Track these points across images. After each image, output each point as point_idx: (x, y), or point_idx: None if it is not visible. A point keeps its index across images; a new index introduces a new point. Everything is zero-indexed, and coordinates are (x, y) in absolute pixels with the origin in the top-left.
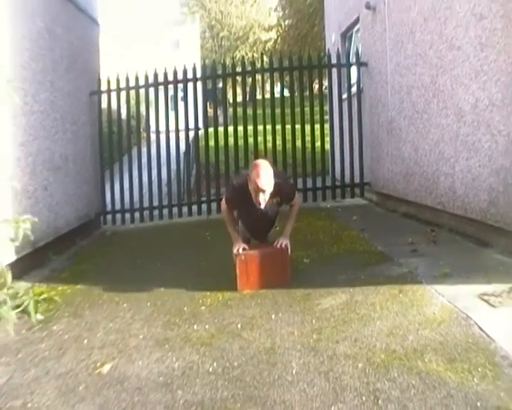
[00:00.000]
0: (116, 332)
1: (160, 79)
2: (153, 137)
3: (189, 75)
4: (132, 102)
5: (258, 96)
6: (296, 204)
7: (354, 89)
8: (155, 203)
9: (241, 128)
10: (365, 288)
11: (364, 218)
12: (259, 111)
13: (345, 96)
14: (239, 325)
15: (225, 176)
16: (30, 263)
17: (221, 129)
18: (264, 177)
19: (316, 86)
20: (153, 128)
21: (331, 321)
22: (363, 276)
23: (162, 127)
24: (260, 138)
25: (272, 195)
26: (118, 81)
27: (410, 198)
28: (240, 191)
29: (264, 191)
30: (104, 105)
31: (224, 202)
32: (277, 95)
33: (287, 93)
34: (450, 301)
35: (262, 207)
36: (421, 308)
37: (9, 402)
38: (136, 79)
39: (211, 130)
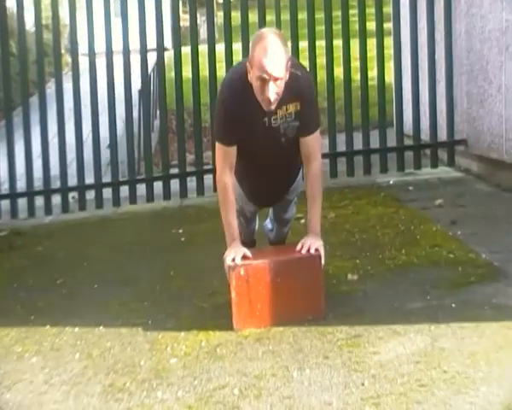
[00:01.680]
0: None
1: None
2: (83, 63)
3: None
4: (46, 0)
5: None
6: (316, 157)
7: None
8: (89, 180)
9: (238, 47)
10: (458, 325)
11: (457, 202)
12: (270, 17)
13: None
14: (235, 391)
15: (211, 131)
16: None
17: (204, 49)
18: (275, 53)
19: None
20: (83, 48)
21: (397, 384)
22: (454, 304)
23: (100, 46)
24: None
25: (289, 96)
26: None
27: None
28: (237, 94)
29: (275, 79)
30: None
31: (217, 149)
32: None
33: None
34: None
35: (272, 107)
36: None
37: None
38: None
39: (186, 51)
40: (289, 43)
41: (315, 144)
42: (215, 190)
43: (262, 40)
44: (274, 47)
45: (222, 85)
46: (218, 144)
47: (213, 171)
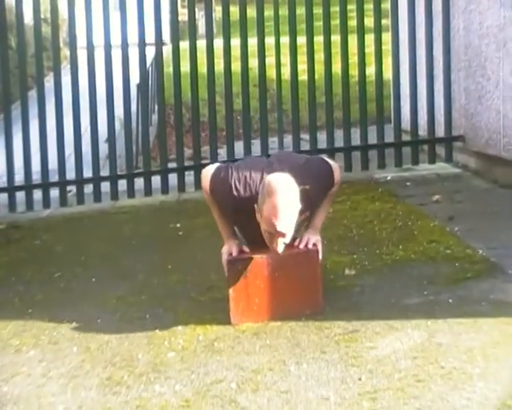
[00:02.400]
0: (14, 402)
1: None
2: (82, 57)
3: None
4: None
5: None
6: (335, 185)
7: None
8: (88, 174)
9: (236, 42)
10: (455, 321)
11: (454, 198)
12: (269, 12)
13: None
14: (233, 384)
15: (210, 126)
16: None
17: (202, 44)
18: (287, 214)
19: None
20: (82, 42)
21: (394, 379)
22: (452, 299)
23: (99, 40)
24: (270, 60)
25: (300, 211)
26: None
27: None
28: (239, 203)
29: (284, 236)
30: None
31: (206, 185)
32: None
33: None
34: None
35: (280, 253)
36: None
37: None
38: None
39: (184, 46)
40: (288, 38)
41: (336, 182)
42: None
43: (272, 196)
44: (285, 205)
45: (225, 184)
46: (208, 191)
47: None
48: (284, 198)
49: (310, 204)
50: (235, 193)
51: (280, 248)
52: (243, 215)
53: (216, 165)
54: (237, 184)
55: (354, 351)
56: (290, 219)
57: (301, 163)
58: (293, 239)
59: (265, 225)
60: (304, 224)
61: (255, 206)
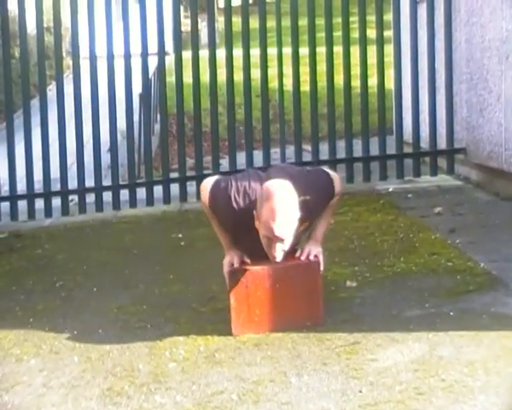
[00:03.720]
0: None
1: None
2: (84, 66)
3: None
4: (48, 3)
5: None
6: (337, 196)
7: None
8: (89, 183)
9: (239, 53)
10: (456, 334)
11: (456, 210)
12: (271, 23)
13: None
14: (234, 396)
15: (212, 136)
16: None
17: (205, 54)
18: (285, 218)
19: None
20: (84, 52)
21: (395, 392)
22: (453, 312)
23: (101, 50)
24: (273, 71)
25: (299, 222)
26: None
27: None
28: (239, 214)
29: (282, 241)
30: None
31: (206, 198)
32: None
33: None
34: None
35: (278, 260)
36: None
37: None
38: None
39: (187, 56)
40: (290, 49)
41: (337, 193)
42: None
43: (271, 199)
44: (283, 209)
45: (224, 195)
46: (207, 204)
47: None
48: (282, 202)
49: (309, 214)
50: (234, 205)
51: (278, 254)
52: (243, 227)
53: (215, 177)
54: (236, 195)
55: (355, 363)
56: (288, 224)
57: (300, 174)
58: (294, 250)
59: (263, 229)
60: (304, 234)
61: (254, 212)
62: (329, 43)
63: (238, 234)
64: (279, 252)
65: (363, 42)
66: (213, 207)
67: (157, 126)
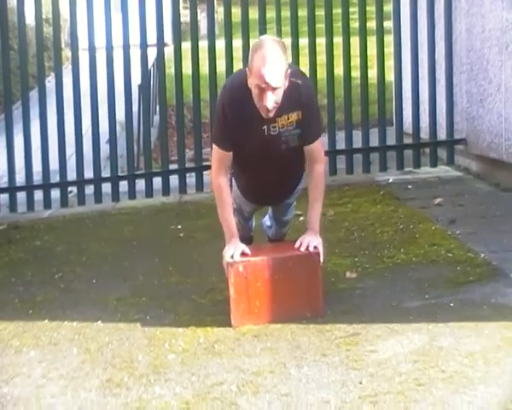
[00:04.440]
0: (14, 403)
1: None
2: (83, 57)
3: None
4: None
5: None
6: (320, 160)
7: None
8: (89, 174)
9: (238, 44)
10: (456, 325)
11: (456, 201)
12: (271, 14)
13: None
14: (233, 387)
15: (211, 127)
16: None
17: (204, 45)
18: (274, 62)
19: None
20: (83, 43)
21: (395, 383)
22: (453, 303)
23: (100, 41)
24: None
25: (289, 105)
26: None
27: None
28: (237, 100)
29: (273, 88)
30: None
31: (214, 151)
32: None
33: None
34: None
35: (271, 115)
36: None
37: None
38: None
39: (186, 46)
40: (290, 39)
41: (318, 148)
42: None
43: (261, 48)
44: (273, 55)
45: (222, 91)
46: (214, 147)
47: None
48: (272, 51)
49: (299, 102)
50: (227, 108)
51: (269, 103)
52: (243, 138)
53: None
54: (229, 95)
55: (355, 354)
56: (278, 70)
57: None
58: (293, 242)
59: (255, 79)
60: (296, 132)
61: (246, 70)
62: (329, 34)
63: (240, 149)
64: (270, 101)
65: (363, 32)
66: (219, 141)
67: (156, 118)
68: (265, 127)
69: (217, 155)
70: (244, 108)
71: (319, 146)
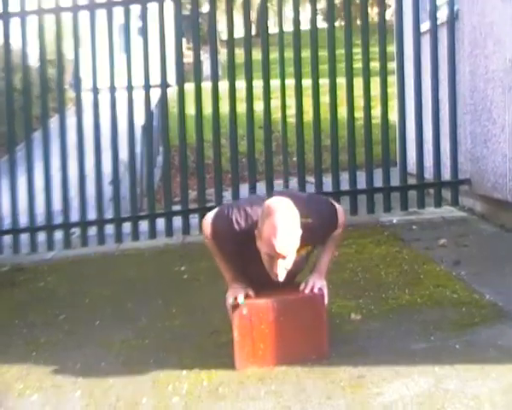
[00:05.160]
0: None
1: None
2: (87, 99)
3: None
4: (50, 35)
5: (273, 29)
6: (340, 228)
7: (443, 14)
8: (92, 216)
9: (241, 85)
10: (462, 367)
11: (460, 242)
12: (274, 55)
13: (425, 27)
14: None
15: (215, 168)
16: None
17: (207, 86)
18: (286, 234)
19: (373, 12)
20: (87, 84)
21: None
22: (459, 345)
23: (103, 82)
24: (276, 102)
25: (301, 244)
26: None
27: None
28: (241, 237)
29: (284, 258)
30: None
31: (208, 231)
32: (306, 27)
33: (322, 23)
34: None
35: (281, 280)
36: None
37: None
38: None
39: (189, 88)
40: (293, 80)
41: (340, 224)
42: None
43: (272, 216)
44: (284, 225)
45: (226, 220)
46: (210, 234)
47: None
48: (283, 219)
49: (311, 236)
50: (236, 227)
51: (280, 272)
52: (246, 252)
53: (216, 209)
54: (238, 217)
55: (360, 397)
56: (290, 240)
57: (303, 197)
58: (298, 284)
59: (265, 246)
60: (306, 261)
61: (255, 232)
62: (332, 75)
63: (242, 262)
64: (281, 270)
65: (367, 73)
66: (215, 237)
67: (159, 158)
68: None
69: (212, 241)
70: (250, 244)
71: (340, 222)
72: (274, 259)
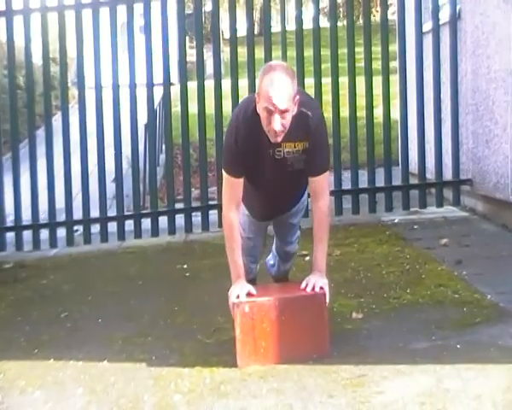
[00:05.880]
0: None
1: None
2: (90, 96)
3: None
4: (53, 33)
5: (276, 28)
6: (323, 197)
7: (445, 14)
8: (95, 213)
9: (244, 83)
10: (463, 366)
11: (462, 241)
12: (277, 53)
13: (428, 26)
14: None
15: (217, 166)
16: None
17: (210, 84)
18: (282, 85)
19: (376, 11)
20: (90, 82)
21: None
22: (460, 345)
23: (106, 80)
24: None
25: (297, 134)
26: None
27: None
28: (249, 125)
29: (281, 111)
30: (1, 37)
31: (225, 180)
32: (308, 25)
33: (324, 22)
34: None
35: (279, 139)
36: None
37: None
38: None
39: (192, 86)
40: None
41: (323, 183)
42: (220, 225)
43: (270, 72)
44: (281, 79)
45: (234, 117)
46: (225, 176)
47: (218, 207)
48: (280, 73)
49: (308, 135)
50: (240, 134)
51: (277, 126)
52: (252, 160)
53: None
54: (239, 125)
55: (361, 396)
56: (286, 94)
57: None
58: (299, 282)
59: (263, 101)
60: (302, 157)
61: (255, 95)
62: (335, 74)
63: (252, 185)
64: (278, 124)
65: (369, 72)
66: (227, 163)
67: (162, 157)
68: (271, 151)
69: (228, 186)
70: (254, 133)
71: (324, 182)
72: (272, 113)
